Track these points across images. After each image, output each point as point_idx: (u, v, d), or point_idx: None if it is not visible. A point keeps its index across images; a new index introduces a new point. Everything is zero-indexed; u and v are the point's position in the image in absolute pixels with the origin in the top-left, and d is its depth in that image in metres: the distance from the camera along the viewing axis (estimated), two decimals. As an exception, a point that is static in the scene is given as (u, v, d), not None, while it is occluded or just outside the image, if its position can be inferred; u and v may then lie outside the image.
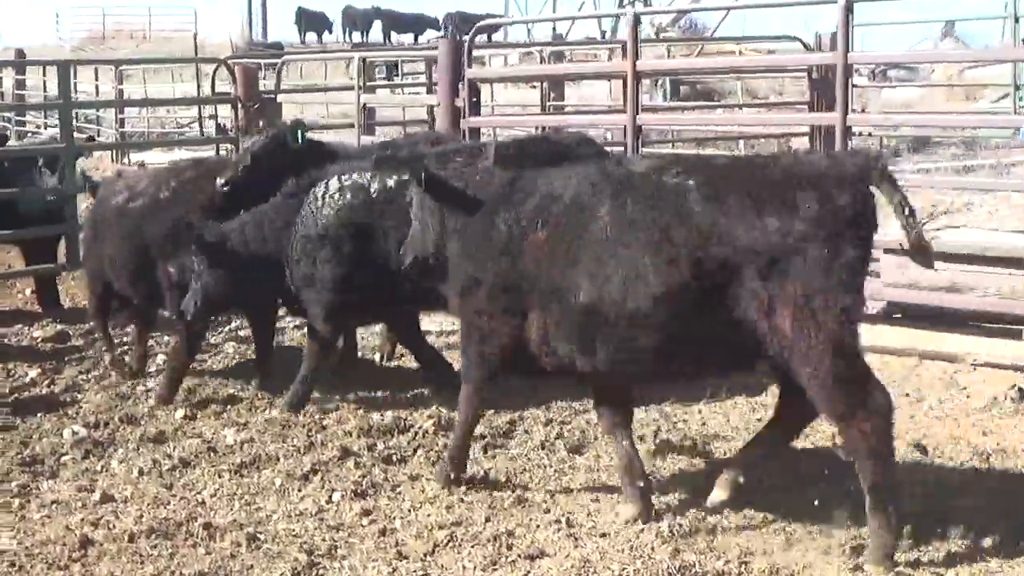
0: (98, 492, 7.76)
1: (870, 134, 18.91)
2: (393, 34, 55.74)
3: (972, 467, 7.89)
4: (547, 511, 7.26)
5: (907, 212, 6.40)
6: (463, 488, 7.60)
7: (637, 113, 10.75)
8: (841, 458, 7.36)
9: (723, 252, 6.38)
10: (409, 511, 7.34)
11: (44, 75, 32.87)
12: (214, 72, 15.88)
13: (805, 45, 17.46)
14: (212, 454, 8.48)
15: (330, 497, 7.58)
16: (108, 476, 8.18)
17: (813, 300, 6.22)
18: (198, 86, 21.53)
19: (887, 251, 9.64)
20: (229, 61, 15.45)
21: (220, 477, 8.02)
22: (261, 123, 13.68)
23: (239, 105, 14.04)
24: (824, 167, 6.47)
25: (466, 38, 11.88)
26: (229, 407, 9.66)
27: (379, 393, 9.90)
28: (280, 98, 15.01)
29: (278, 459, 8.29)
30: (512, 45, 21.79)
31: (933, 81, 22.36)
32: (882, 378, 8.96)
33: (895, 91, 21.24)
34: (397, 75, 25.88)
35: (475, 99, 11.87)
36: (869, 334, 9.36)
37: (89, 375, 10.77)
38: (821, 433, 8.23)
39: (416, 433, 8.75)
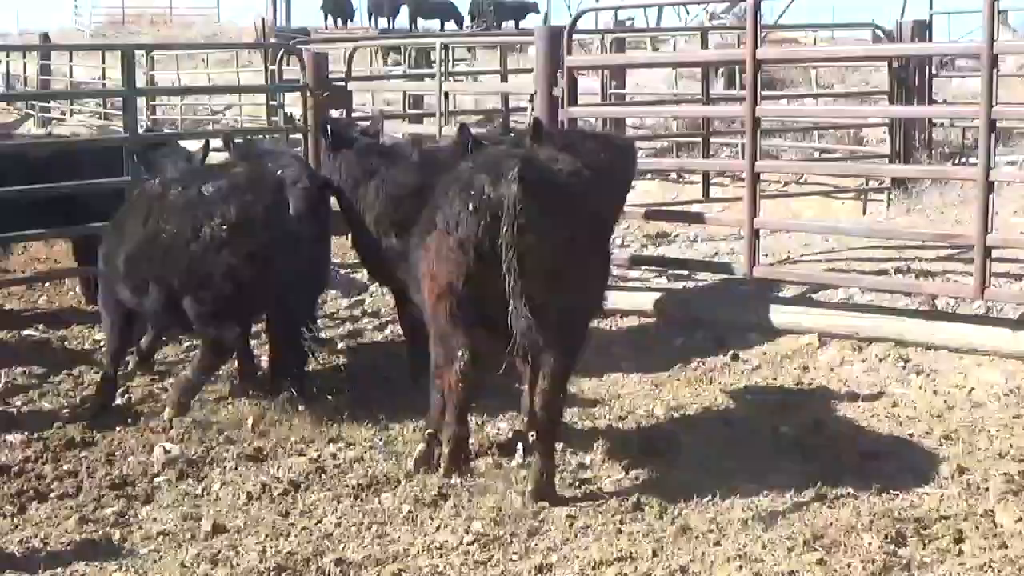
0: (207, 521, 7.03)
1: (952, 124, 18.20)
2: (420, 21, 54.84)
3: None
4: (717, 544, 6.52)
5: None
6: (617, 518, 6.87)
7: (757, 103, 9.99)
8: None
9: None
10: (562, 544, 6.60)
11: (71, 60, 32.10)
12: (279, 58, 15.14)
13: (885, 33, 16.69)
14: (322, 475, 7.75)
15: (468, 527, 6.83)
16: (212, 501, 7.46)
17: None
18: (266, 72, 20.74)
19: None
20: (298, 46, 14.72)
21: (339, 503, 7.29)
22: (332, 111, 13.02)
23: (308, 93, 13.28)
24: None
25: (565, 24, 11.17)
26: (328, 421, 8.88)
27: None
28: (351, 86, 14.21)
29: (398, 481, 7.56)
30: (611, 31, 20.86)
31: (1003, 71, 21.62)
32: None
33: (965, 80, 20.50)
34: (430, 63, 25.21)
35: (574, 88, 11.15)
36: (1011, 339, 8.80)
37: (164, 382, 10.01)
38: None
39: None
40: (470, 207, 6.93)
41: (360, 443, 8.36)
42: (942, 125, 18.22)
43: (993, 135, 9.01)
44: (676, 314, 10.69)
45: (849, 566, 6.15)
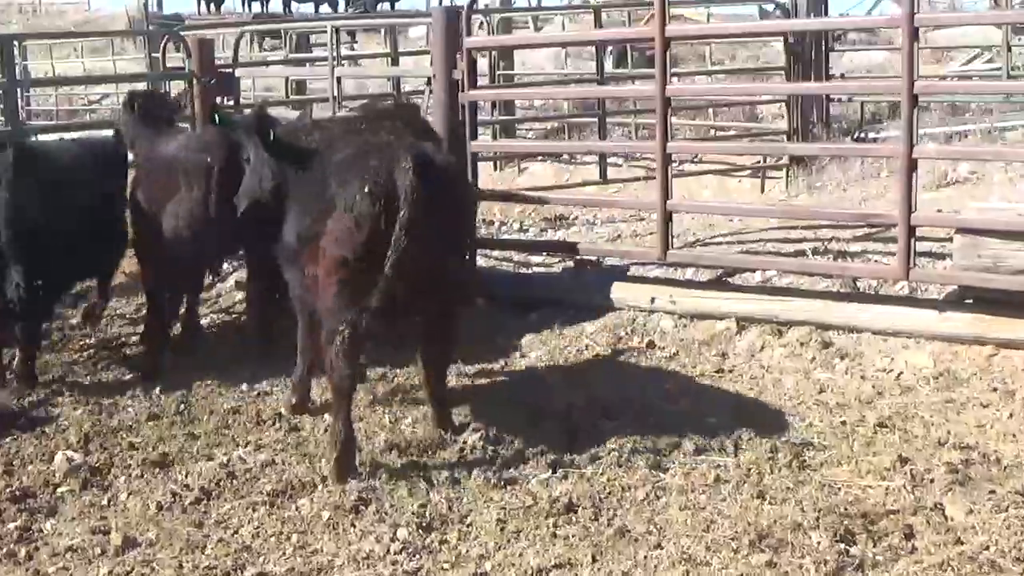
0: (117, 534, 6.58)
1: (850, 99, 18.11)
2: (293, 5, 53.69)
3: None
4: (658, 546, 6.21)
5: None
6: (551, 520, 6.53)
7: (667, 83, 9.72)
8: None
9: None
10: (496, 549, 6.26)
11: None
12: (163, 44, 14.51)
13: (780, 7, 16.54)
14: (234, 480, 7.32)
15: (395, 534, 6.45)
16: (121, 512, 6.99)
17: None
18: (149, 59, 19.98)
19: (960, 231, 8.77)
20: (182, 32, 14.12)
21: (255, 511, 6.87)
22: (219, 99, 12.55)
23: (195, 80, 12.75)
24: None
25: (464, 3, 10.74)
26: (229, 418, 8.59)
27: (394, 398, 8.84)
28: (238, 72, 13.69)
29: (315, 486, 7.15)
30: (518, 10, 20.42)
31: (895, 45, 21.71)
32: (956, 368, 8.37)
33: (858, 55, 20.53)
34: (310, 48, 24.63)
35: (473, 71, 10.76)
36: (938, 320, 8.60)
37: (58, 385, 9.49)
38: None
39: (463, 449, 7.66)
40: (366, 190, 7.16)
41: (269, 445, 7.92)
42: (840, 100, 18.13)
43: (915, 110, 8.75)
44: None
45: (801, 567, 5.88)
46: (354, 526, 6.59)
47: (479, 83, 11.60)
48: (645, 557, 6.09)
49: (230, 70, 13.50)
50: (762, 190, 16.16)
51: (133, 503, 7.09)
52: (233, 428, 8.37)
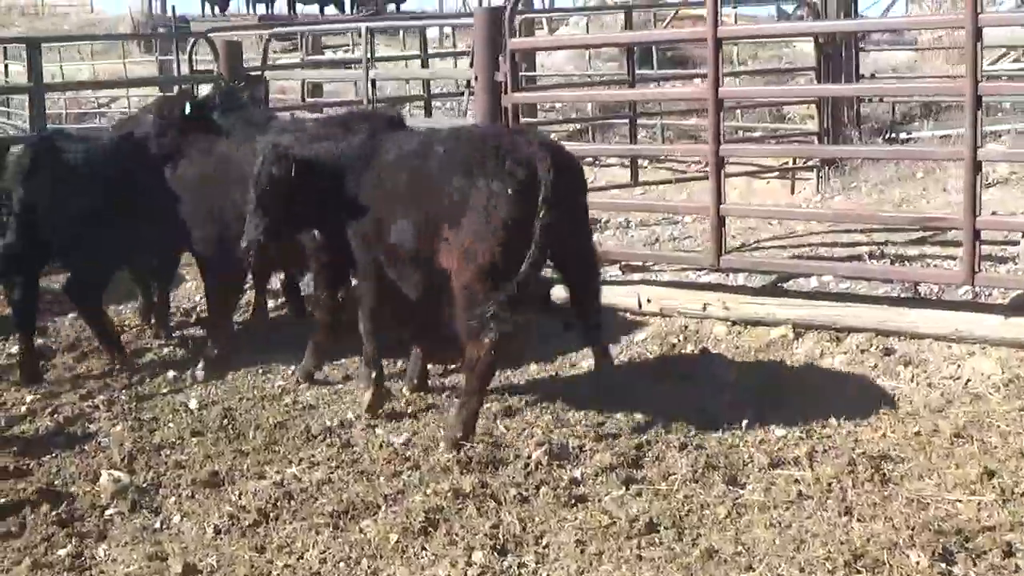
0: (175, 561, 6.30)
1: (881, 100, 17.85)
2: (299, 6, 53.35)
3: None
4: (750, 568, 5.94)
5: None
6: (633, 542, 6.25)
7: (720, 84, 9.47)
8: None
9: None
10: (579, 573, 6.00)
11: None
12: (191, 48, 14.25)
13: (810, 7, 16.27)
14: (291, 501, 7.03)
15: (469, 558, 6.17)
16: (175, 537, 6.71)
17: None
18: (177, 62, 19.68)
19: (1027, 234, 8.53)
20: (210, 35, 13.84)
21: (318, 533, 6.58)
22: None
23: (223, 83, 12.47)
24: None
25: (507, 3, 10.49)
26: (277, 433, 8.33)
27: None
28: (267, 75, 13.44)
29: (377, 506, 6.87)
30: (560, 10, 20.16)
31: (920, 45, 21.53)
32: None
33: (882, 54, 20.26)
34: (321, 50, 24.29)
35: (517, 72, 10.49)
36: (1003, 326, 8.36)
37: (95, 400, 9.24)
38: None
39: (526, 464, 7.38)
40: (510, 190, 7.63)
41: (323, 462, 7.65)
42: (870, 101, 17.87)
43: (980, 112, 8.49)
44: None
45: (903, 589, 5.61)
46: (425, 549, 6.31)
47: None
48: (737, 580, 5.82)
49: (260, 73, 13.18)
50: (792, 191, 15.91)
51: (188, 526, 6.83)
52: (282, 444, 8.11)
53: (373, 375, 8.55)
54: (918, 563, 5.81)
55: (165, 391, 9.47)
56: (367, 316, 8.58)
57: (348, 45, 26.69)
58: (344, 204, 8.27)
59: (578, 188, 8.26)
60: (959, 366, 8.56)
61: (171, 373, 9.81)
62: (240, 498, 7.11)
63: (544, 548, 6.28)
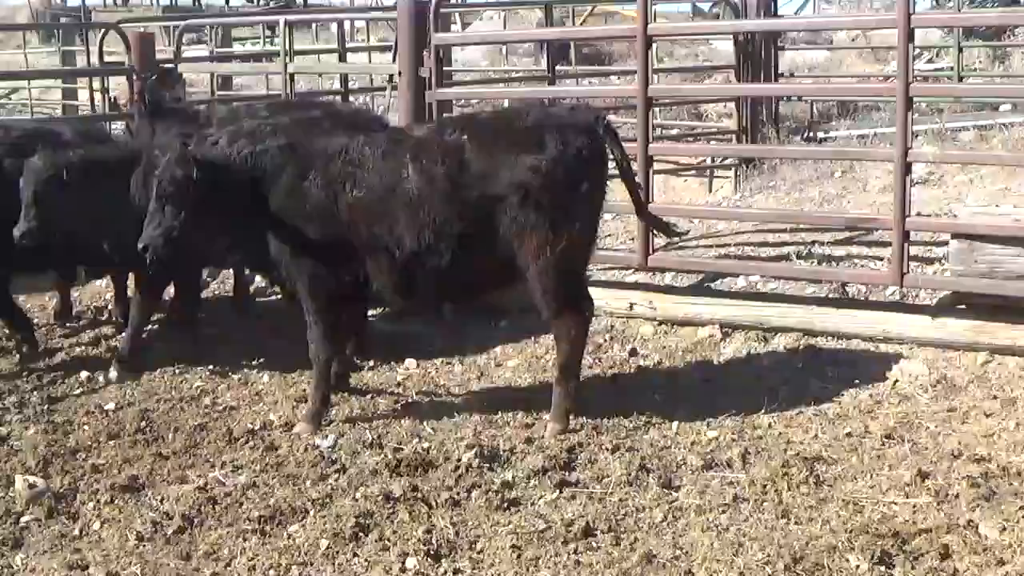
0: (97, 570, 6.10)
1: (800, 99, 17.89)
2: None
3: None
4: (690, 573, 5.85)
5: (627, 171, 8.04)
6: (570, 546, 6.14)
7: (649, 82, 9.40)
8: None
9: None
10: (517, 580, 5.87)
11: None
12: (101, 39, 13.91)
13: (732, 7, 16.26)
14: (215, 506, 6.83)
15: (403, 564, 6.02)
16: (96, 544, 6.48)
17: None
18: (88, 54, 19.22)
19: (956, 235, 8.52)
20: (121, 26, 13.50)
21: (245, 540, 6.39)
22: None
23: (135, 76, 12.19)
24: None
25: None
26: (197, 436, 8.11)
27: (374, 411, 8.43)
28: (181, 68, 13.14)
29: (306, 511, 6.69)
30: (487, 5, 19.89)
31: (836, 44, 21.68)
32: (954, 374, 8.12)
33: (799, 54, 20.34)
34: (231, 43, 23.96)
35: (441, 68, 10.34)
36: (931, 327, 8.36)
37: (4, 401, 8.96)
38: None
39: (457, 467, 7.23)
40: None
41: (247, 465, 7.45)
42: (789, 99, 17.92)
43: (910, 113, 8.49)
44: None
45: (846, 594, 5.55)
46: (357, 555, 6.16)
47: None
48: (679, 585, 5.73)
49: (172, 65, 12.89)
50: (710, 190, 15.91)
51: (109, 533, 6.59)
52: (203, 447, 7.90)
53: (323, 386, 8.27)
54: (858, 567, 5.77)
55: (78, 392, 9.20)
56: (321, 322, 8.19)
57: (258, 38, 26.41)
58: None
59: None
60: (887, 367, 8.55)
61: (84, 374, 9.53)
62: (162, 503, 6.91)
63: (479, 553, 6.15)
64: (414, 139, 7.96)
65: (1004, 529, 6.11)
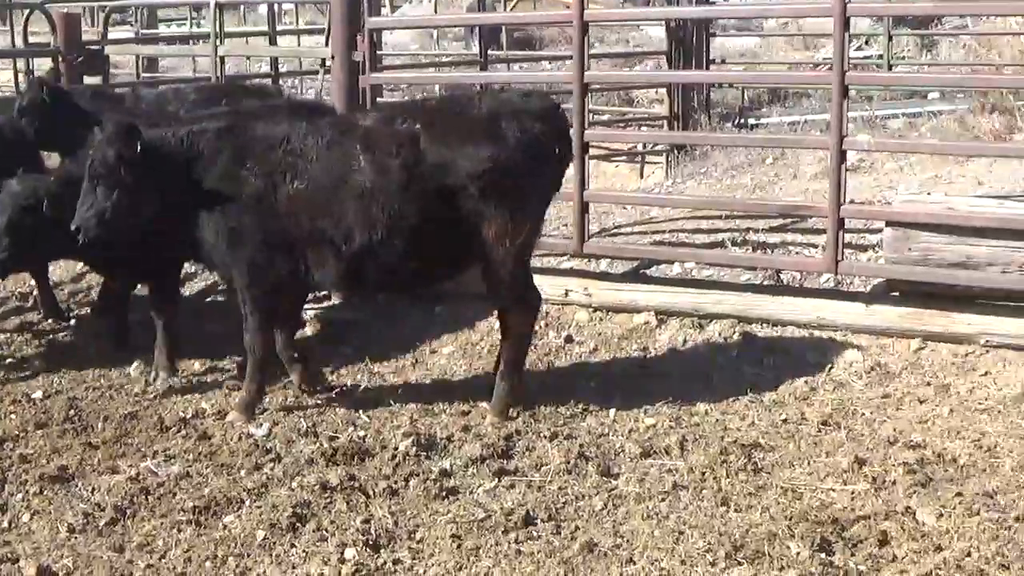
0: (28, 564, 5.97)
1: (731, 85, 17.95)
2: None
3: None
4: (631, 561, 5.82)
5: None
6: (511, 536, 6.10)
7: (586, 68, 9.37)
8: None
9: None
10: (457, 569, 5.82)
11: None
12: (25, 20, 13.65)
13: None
14: (148, 497, 6.72)
15: (342, 554, 5.95)
16: (26, 537, 6.35)
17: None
18: (12, 35, 18.85)
19: (891, 224, 8.56)
20: (46, 6, 13.25)
21: (180, 531, 6.29)
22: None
23: (60, 57, 11.97)
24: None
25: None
26: (128, 425, 7.99)
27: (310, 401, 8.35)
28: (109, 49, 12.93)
29: (241, 501, 6.60)
30: None
31: (766, 31, 21.78)
32: (888, 361, 8.17)
33: (730, 40, 20.40)
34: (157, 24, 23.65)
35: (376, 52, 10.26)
36: (864, 314, 8.40)
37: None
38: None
39: (394, 456, 7.17)
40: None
41: (180, 455, 7.34)
42: (720, 86, 17.97)
43: (845, 101, 8.52)
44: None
45: (789, 582, 5.55)
46: (294, 546, 6.08)
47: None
48: (620, 574, 5.71)
49: (99, 47, 12.67)
50: (641, 175, 15.92)
51: (39, 525, 6.47)
52: (135, 436, 7.77)
53: (258, 376, 8.13)
54: (799, 554, 5.76)
55: (3, 380, 9.00)
56: (257, 312, 8.00)
57: (184, 19, 26.04)
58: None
59: None
60: (822, 354, 8.58)
61: (8, 361, 9.36)
62: (93, 494, 6.79)
63: (419, 543, 6.10)
64: (363, 128, 7.80)
65: (941, 515, 6.14)
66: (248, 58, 19.66)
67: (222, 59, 12.61)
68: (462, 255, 7.71)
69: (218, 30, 12.95)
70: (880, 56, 18.77)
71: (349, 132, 7.78)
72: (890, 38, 18.16)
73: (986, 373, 8.25)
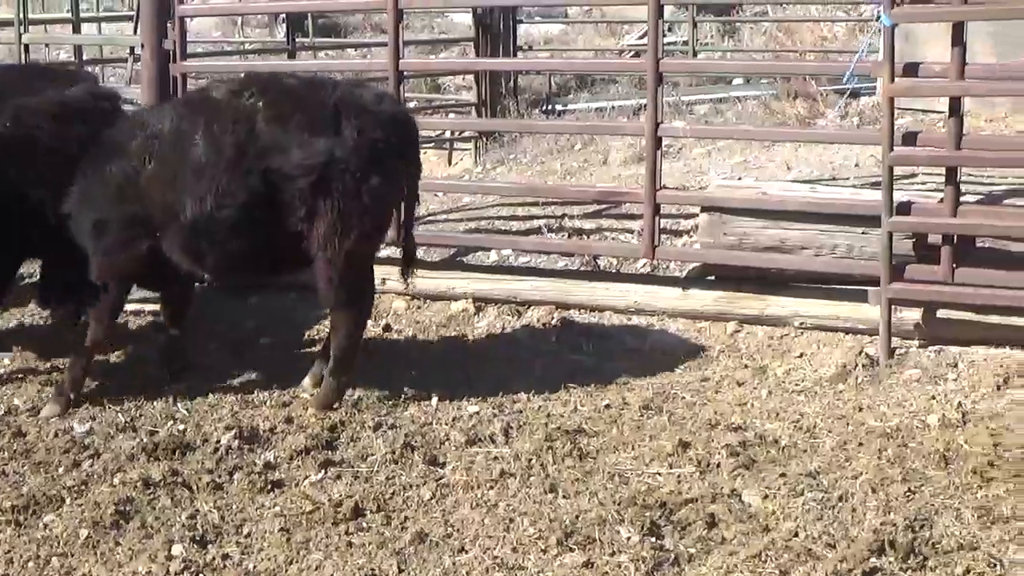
0: None
1: (538, 73, 18.07)
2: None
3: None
4: (463, 551, 5.84)
5: None
6: (341, 528, 6.06)
7: (400, 57, 9.34)
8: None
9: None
10: (288, 563, 5.74)
11: None
12: None
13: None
14: (-40, 497, 6.49)
15: (169, 551, 5.84)
16: None
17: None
18: None
19: (705, 209, 8.75)
20: None
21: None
22: None
23: None
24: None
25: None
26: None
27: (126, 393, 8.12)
28: None
29: (61, 500, 6.42)
30: None
31: (570, 17, 21.99)
32: (705, 344, 8.37)
33: (535, 27, 20.54)
34: None
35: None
36: (681, 298, 8.58)
37: None
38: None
39: (216, 449, 7.06)
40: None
41: (-12, 449, 7.13)
42: (527, 73, 18.10)
43: (660, 88, 8.66)
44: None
45: (620, 566, 5.61)
46: (119, 544, 5.93)
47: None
48: (453, 563, 5.70)
49: None
50: (449, 162, 15.95)
51: None
52: (-59, 434, 7.48)
53: (79, 370, 7.91)
54: (629, 539, 5.83)
55: None
56: (106, 300, 7.86)
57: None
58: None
59: None
60: (641, 338, 8.72)
61: None
62: None
63: (247, 538, 6.01)
64: (211, 101, 7.61)
65: (767, 497, 6.27)
66: (47, 46, 19.13)
67: (26, 47, 12.20)
68: (300, 246, 7.46)
69: (23, 16, 12.53)
70: (685, 42, 19.15)
71: (199, 106, 7.67)
72: (695, 24, 18.52)
73: (801, 355, 8.49)
